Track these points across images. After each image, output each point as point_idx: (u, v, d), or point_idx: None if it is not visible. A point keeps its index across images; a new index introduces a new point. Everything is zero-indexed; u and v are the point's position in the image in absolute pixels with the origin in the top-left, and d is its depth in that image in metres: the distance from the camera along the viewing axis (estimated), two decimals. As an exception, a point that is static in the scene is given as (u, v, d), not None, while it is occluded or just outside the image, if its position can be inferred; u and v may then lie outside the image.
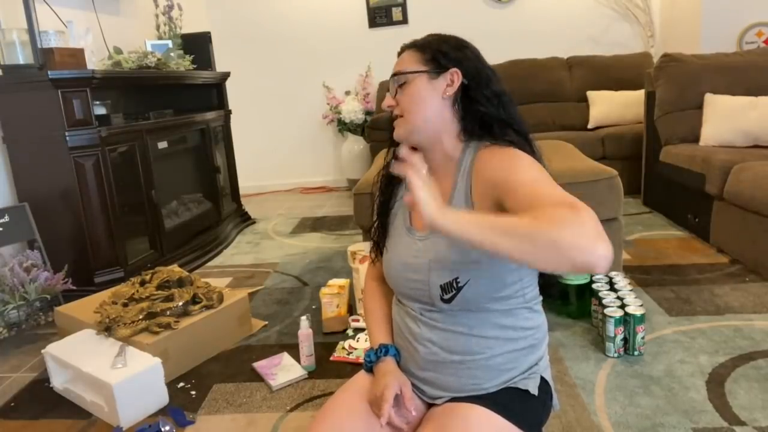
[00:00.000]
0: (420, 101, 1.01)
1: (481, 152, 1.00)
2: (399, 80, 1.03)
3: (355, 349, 1.98)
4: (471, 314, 0.99)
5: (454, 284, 0.96)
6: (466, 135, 1.03)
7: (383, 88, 4.79)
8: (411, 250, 1.03)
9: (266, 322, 2.29)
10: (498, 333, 0.99)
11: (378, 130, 4.33)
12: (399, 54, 1.08)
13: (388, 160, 1.14)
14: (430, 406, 1.05)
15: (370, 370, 1.09)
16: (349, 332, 2.12)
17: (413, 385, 1.06)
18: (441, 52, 1.02)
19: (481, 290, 0.96)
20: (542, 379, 1.02)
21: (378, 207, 1.15)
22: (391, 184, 1.14)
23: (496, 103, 1.01)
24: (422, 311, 1.03)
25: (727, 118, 3.10)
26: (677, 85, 3.37)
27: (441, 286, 0.98)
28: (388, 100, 1.05)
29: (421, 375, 1.05)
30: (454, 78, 1.00)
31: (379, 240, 1.14)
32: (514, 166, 0.92)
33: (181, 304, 2.00)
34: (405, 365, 1.08)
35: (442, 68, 1.01)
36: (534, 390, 0.99)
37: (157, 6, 3.87)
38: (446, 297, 0.98)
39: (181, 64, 3.36)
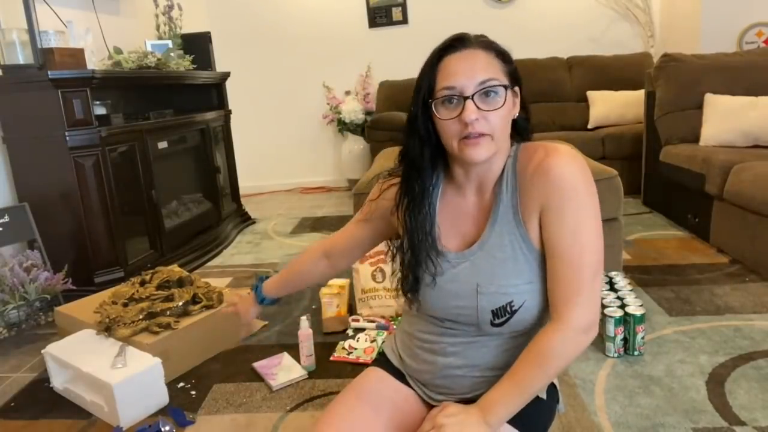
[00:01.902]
0: (508, 121, 0.91)
1: (521, 156, 0.93)
2: (490, 90, 0.87)
3: (355, 349, 1.98)
4: (514, 333, 0.93)
5: (508, 308, 0.89)
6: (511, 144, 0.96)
7: (384, 87, 4.79)
8: (447, 274, 0.94)
9: (266, 322, 2.29)
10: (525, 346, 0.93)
11: (378, 130, 4.33)
12: (455, 45, 0.89)
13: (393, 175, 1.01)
14: (431, 406, 1.04)
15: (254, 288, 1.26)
16: (349, 332, 2.12)
17: (420, 388, 1.05)
18: (514, 66, 0.92)
19: (536, 311, 0.91)
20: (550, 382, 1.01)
21: (410, 232, 0.96)
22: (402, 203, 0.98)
23: (525, 108, 0.97)
24: (457, 327, 0.96)
25: (727, 118, 3.10)
26: (677, 85, 3.37)
27: (493, 311, 0.90)
28: (474, 112, 0.85)
29: (433, 382, 1.02)
30: (517, 101, 0.93)
31: (416, 273, 0.96)
32: (564, 205, 0.87)
33: (181, 304, 2.00)
34: (418, 374, 1.04)
35: (515, 84, 0.92)
36: (542, 394, 0.98)
37: (157, 6, 3.87)
38: (498, 321, 0.91)
39: (181, 64, 3.36)
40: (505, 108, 0.89)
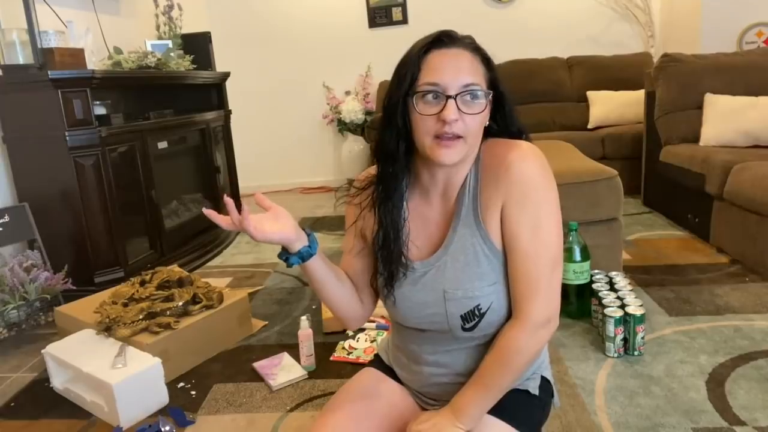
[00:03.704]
0: (482, 126, 0.90)
1: (484, 156, 0.93)
2: (473, 94, 0.86)
3: (355, 349, 1.98)
4: (487, 336, 0.94)
5: (476, 312, 0.90)
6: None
7: (384, 88, 4.79)
8: (416, 285, 0.95)
9: (266, 322, 2.29)
10: None
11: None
12: (444, 41, 0.88)
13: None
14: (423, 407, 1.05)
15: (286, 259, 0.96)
16: (349, 332, 2.12)
17: (416, 395, 1.06)
18: (495, 74, 0.91)
19: (504, 311, 0.91)
20: (543, 378, 1.02)
21: (383, 237, 0.96)
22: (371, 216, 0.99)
23: (505, 119, 0.95)
24: (433, 336, 0.97)
25: (727, 118, 3.10)
26: (677, 85, 3.37)
27: (461, 316, 0.91)
28: (455, 112, 0.84)
29: (422, 390, 1.04)
30: (487, 110, 0.91)
31: (390, 268, 0.96)
32: (525, 201, 0.88)
33: (181, 304, 2.00)
34: (410, 383, 1.05)
35: (493, 92, 0.90)
36: (534, 390, 0.99)
37: (157, 6, 3.86)
38: (468, 326, 0.92)
39: (181, 64, 3.36)
40: (484, 114, 0.88)
